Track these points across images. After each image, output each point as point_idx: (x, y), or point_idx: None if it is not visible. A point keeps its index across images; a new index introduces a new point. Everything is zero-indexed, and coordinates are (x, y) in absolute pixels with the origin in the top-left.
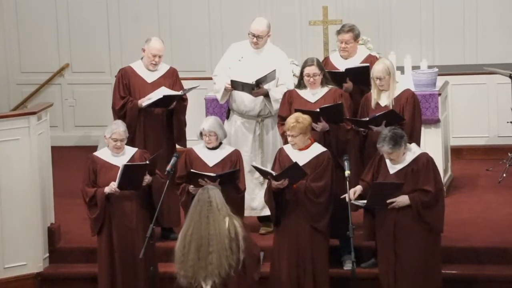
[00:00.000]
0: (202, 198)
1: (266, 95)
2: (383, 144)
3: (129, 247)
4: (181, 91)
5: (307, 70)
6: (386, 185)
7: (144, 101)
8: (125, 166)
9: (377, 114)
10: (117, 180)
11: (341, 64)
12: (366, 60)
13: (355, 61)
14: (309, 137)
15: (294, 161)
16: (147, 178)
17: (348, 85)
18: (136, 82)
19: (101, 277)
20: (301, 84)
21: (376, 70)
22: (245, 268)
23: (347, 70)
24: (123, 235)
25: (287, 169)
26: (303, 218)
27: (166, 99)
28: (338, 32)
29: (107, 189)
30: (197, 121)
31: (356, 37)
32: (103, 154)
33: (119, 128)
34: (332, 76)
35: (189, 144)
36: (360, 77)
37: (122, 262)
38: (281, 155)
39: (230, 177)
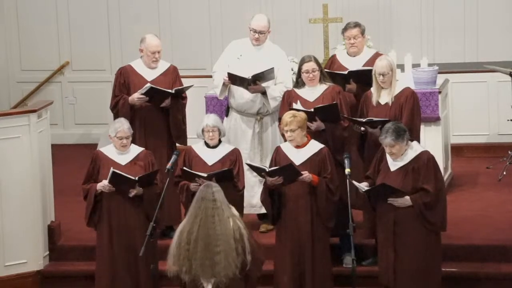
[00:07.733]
0: (206, 196)
1: (264, 93)
2: (386, 135)
3: (126, 244)
4: (173, 89)
5: (306, 66)
6: (391, 188)
7: (135, 96)
8: (113, 173)
9: (374, 119)
10: (107, 180)
11: (348, 62)
12: (373, 57)
13: (362, 59)
14: (306, 134)
15: (292, 159)
16: (134, 191)
17: (352, 86)
18: (136, 80)
19: (98, 275)
20: (299, 83)
21: (380, 66)
22: (249, 269)
23: (350, 72)
24: (120, 233)
25: (282, 168)
26: (317, 216)
27: (153, 91)
28: (345, 29)
29: (99, 186)
30: (197, 119)
31: (363, 32)
32: (108, 151)
33: (123, 125)
34: (335, 77)
35: (190, 142)
36: (364, 78)
37: (120, 260)
38: (278, 154)
39: (225, 176)
